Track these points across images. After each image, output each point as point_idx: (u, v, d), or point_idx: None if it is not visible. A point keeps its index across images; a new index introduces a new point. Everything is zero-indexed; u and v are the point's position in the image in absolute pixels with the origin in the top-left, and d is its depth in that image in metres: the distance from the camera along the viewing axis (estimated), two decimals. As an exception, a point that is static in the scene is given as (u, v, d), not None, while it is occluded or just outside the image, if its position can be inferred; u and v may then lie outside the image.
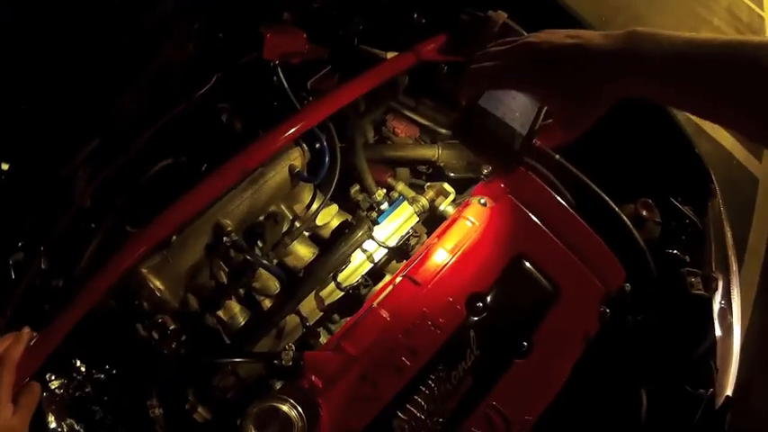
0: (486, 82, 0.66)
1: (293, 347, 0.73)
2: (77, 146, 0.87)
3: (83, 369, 0.89)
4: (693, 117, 1.00)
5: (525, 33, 0.91)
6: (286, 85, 0.81)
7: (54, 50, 0.90)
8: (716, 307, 0.96)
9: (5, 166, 0.93)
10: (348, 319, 0.82)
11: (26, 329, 0.76)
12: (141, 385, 0.85)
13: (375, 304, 0.75)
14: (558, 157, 0.88)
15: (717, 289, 0.95)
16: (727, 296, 0.96)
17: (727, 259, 0.97)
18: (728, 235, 0.97)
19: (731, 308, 0.96)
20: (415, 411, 0.72)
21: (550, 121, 0.70)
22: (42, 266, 0.88)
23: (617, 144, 0.97)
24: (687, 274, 0.93)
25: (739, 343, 0.95)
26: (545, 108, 0.70)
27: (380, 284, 0.85)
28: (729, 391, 0.95)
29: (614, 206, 0.88)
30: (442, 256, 0.76)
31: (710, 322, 0.95)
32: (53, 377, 0.89)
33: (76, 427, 0.88)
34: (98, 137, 0.87)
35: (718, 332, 0.95)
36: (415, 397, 0.72)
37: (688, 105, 0.56)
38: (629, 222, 0.88)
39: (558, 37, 0.59)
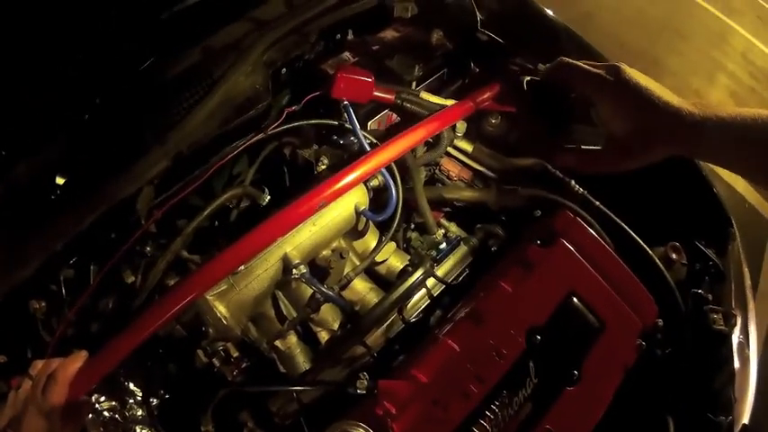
0: (574, 76, 0.84)
1: (367, 376, 0.88)
2: (143, 164, 0.99)
3: (136, 392, 1.00)
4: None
5: None
6: (358, 127, 0.97)
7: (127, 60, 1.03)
8: (735, 341, 1.17)
9: (61, 181, 1.04)
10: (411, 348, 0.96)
11: (82, 351, 0.88)
12: (197, 410, 0.97)
13: (442, 335, 0.91)
14: (598, 203, 1.08)
15: (736, 324, 1.16)
16: (744, 331, 1.17)
17: (745, 297, 1.18)
18: (746, 275, 1.18)
19: (748, 342, 1.18)
20: (480, 434, 0.88)
21: (597, 147, 0.89)
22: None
23: (648, 191, 1.17)
24: (710, 311, 1.13)
25: (756, 374, 1.16)
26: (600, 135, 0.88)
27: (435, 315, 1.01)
28: (746, 419, 1.16)
29: (648, 250, 1.08)
30: (503, 292, 0.93)
31: (730, 355, 1.16)
32: (102, 398, 1.00)
33: (124, 452, 0.99)
34: (165, 160, 0.99)
35: (736, 364, 1.16)
36: (481, 421, 0.88)
37: (743, 174, 0.76)
38: (661, 265, 1.08)
39: (646, 80, 0.78)
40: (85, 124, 1.09)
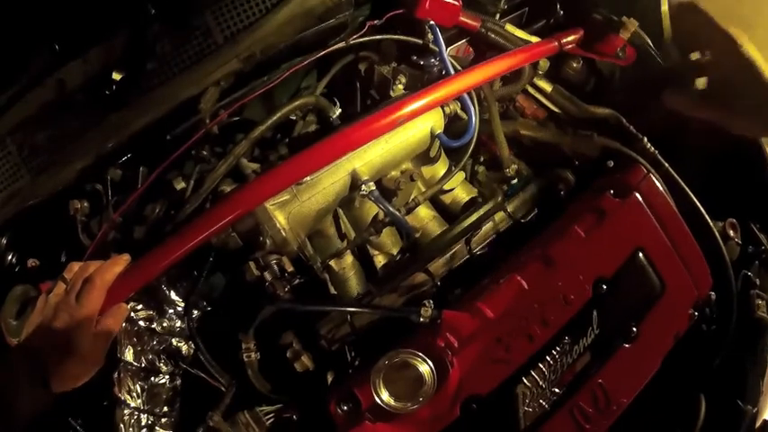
0: (704, 22, 0.94)
1: (432, 304, 0.84)
2: (211, 64, 0.93)
3: (177, 302, 0.95)
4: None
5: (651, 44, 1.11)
6: (444, 49, 0.94)
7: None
8: (772, 333, 1.17)
9: (117, 76, 0.98)
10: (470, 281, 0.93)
11: (125, 255, 0.82)
12: (239, 327, 0.92)
13: (512, 272, 0.88)
14: (667, 165, 1.06)
15: (777, 316, 1.15)
16: (783, 325, 1.17)
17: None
18: (794, 269, 1.18)
19: (785, 336, 1.17)
20: (538, 379, 0.86)
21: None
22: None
23: (711, 166, 1.16)
24: (755, 297, 1.13)
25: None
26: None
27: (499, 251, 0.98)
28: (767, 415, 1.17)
29: (710, 221, 1.07)
30: (576, 236, 0.91)
31: (766, 347, 1.16)
32: (139, 307, 0.94)
33: (158, 364, 0.94)
34: (236, 61, 0.94)
35: (769, 357, 1.16)
36: (540, 365, 0.86)
37: None
38: (720, 240, 1.07)
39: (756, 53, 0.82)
40: (149, 19, 1.02)
